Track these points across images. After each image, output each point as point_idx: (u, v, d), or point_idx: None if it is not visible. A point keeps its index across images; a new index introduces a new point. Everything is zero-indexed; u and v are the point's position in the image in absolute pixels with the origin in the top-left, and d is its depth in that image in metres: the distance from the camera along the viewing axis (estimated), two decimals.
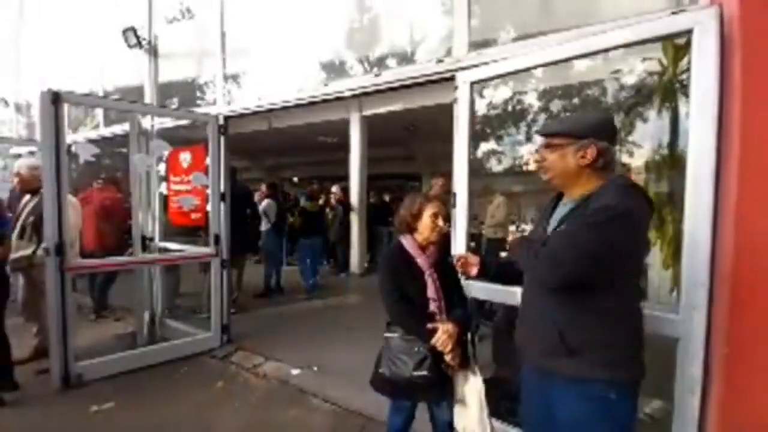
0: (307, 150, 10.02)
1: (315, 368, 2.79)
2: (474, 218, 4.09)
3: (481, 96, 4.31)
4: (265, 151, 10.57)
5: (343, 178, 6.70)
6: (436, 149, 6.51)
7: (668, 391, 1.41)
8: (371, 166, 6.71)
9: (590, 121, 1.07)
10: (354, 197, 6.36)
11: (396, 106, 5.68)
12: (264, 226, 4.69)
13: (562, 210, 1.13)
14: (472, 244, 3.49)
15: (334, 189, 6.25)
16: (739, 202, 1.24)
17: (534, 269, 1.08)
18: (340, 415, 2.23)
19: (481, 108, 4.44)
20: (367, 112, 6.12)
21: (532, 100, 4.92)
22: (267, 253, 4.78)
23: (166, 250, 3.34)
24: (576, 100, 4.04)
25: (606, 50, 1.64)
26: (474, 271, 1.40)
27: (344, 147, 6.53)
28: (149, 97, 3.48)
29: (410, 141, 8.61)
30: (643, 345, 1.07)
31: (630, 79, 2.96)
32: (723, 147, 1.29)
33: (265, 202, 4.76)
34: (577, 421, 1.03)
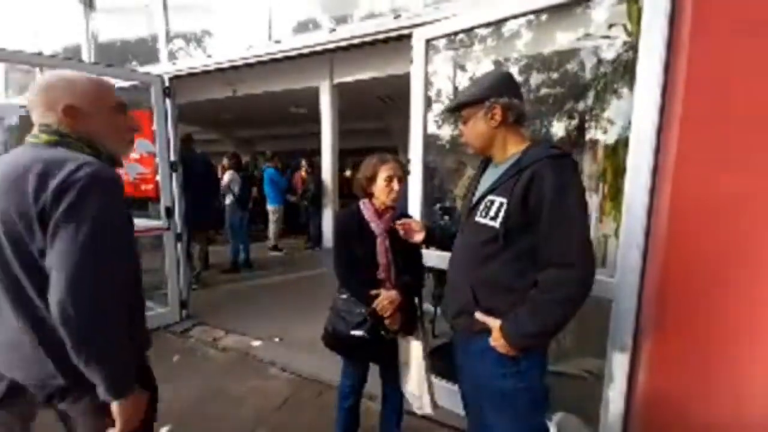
0: (280, 122, 9.59)
1: (277, 339, 2.77)
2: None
3: (464, 69, 4.17)
4: (234, 123, 10.04)
5: (318, 152, 6.48)
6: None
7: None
8: (346, 140, 6.46)
9: (487, 82, 1.08)
10: (326, 171, 6.19)
11: (368, 74, 5.43)
12: (228, 200, 4.50)
13: (492, 173, 1.11)
14: (446, 217, 3.47)
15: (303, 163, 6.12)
16: (678, 162, 1.22)
17: (575, 290, 0.94)
18: (298, 383, 2.23)
19: (463, 82, 4.31)
20: (338, 80, 5.83)
21: (513, 74, 4.81)
22: (232, 227, 4.62)
23: None
24: (555, 75, 3.99)
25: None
26: (418, 237, 1.36)
27: (318, 119, 6.27)
28: (87, 55, 3.14)
29: (386, 114, 8.36)
30: None
31: (602, 43, 2.94)
32: (667, 102, 1.26)
33: (227, 175, 4.53)
34: (489, 375, 1.05)
